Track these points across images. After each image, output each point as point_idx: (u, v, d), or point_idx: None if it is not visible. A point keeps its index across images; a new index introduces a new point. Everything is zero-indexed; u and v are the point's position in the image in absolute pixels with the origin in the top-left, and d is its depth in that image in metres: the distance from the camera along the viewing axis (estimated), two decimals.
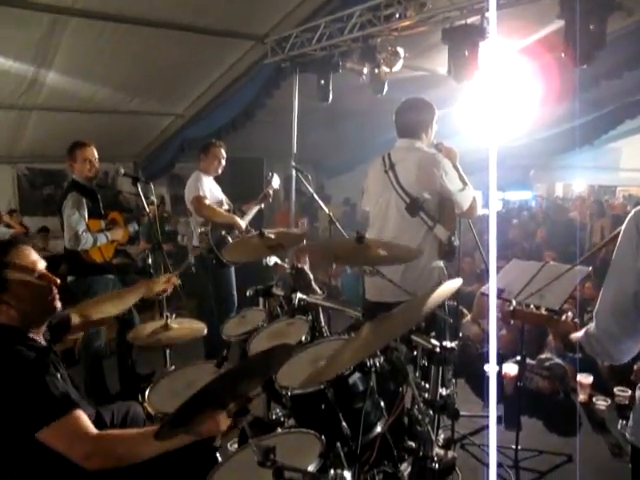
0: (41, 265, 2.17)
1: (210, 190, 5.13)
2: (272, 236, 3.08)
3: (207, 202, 4.99)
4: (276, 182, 5.47)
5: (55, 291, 2.20)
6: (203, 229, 4.97)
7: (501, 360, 4.85)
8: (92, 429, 2.00)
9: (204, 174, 5.17)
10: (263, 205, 5.52)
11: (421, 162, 3.37)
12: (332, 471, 1.76)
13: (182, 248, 9.36)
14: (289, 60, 6.40)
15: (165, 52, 6.37)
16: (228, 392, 1.67)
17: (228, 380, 1.63)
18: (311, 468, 1.90)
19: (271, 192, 5.46)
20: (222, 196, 5.26)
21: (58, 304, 2.23)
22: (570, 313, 2.34)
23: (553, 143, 11.24)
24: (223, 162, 5.29)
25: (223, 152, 5.26)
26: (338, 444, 2.04)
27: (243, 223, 5.16)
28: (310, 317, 2.98)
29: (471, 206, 3.47)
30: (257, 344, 2.92)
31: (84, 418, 2.00)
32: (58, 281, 2.22)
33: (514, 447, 3.70)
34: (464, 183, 3.43)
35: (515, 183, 13.61)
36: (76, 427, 1.96)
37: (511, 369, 4.71)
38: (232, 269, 5.20)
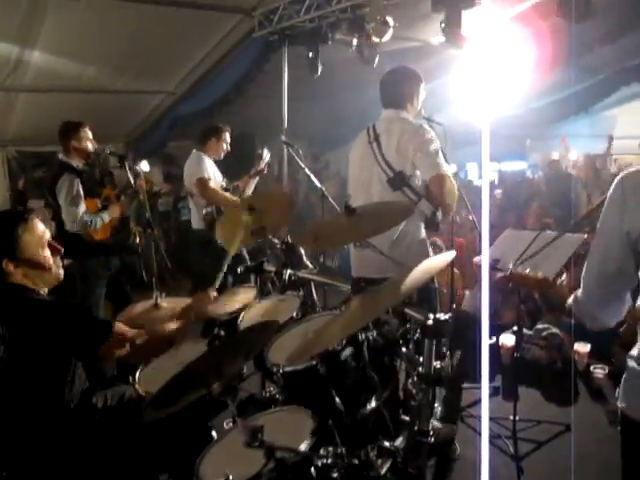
0: (48, 236, 2.37)
1: (213, 172, 5.10)
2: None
3: (211, 184, 4.95)
4: (267, 156, 5.42)
5: (59, 260, 2.42)
6: (208, 210, 4.93)
7: (498, 331, 4.83)
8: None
9: (207, 156, 5.12)
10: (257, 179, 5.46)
11: (403, 133, 3.28)
12: (323, 450, 1.72)
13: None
14: (277, 33, 6.29)
15: (153, 28, 6.23)
16: (213, 371, 1.64)
17: (212, 359, 1.59)
18: (303, 446, 1.87)
19: (264, 166, 5.40)
20: (220, 176, 5.22)
21: (61, 272, 2.44)
22: (564, 277, 2.32)
23: (548, 112, 11.10)
24: (228, 147, 5.29)
25: (229, 137, 5.27)
26: (330, 421, 2.01)
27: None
28: (302, 293, 2.94)
29: (443, 191, 3.22)
30: (248, 321, 2.88)
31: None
32: (62, 249, 2.43)
33: (512, 418, 3.69)
34: (442, 164, 3.26)
35: (510, 154, 13.51)
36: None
37: (508, 340, 4.69)
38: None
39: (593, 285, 1.84)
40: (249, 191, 5.29)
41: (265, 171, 5.47)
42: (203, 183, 4.93)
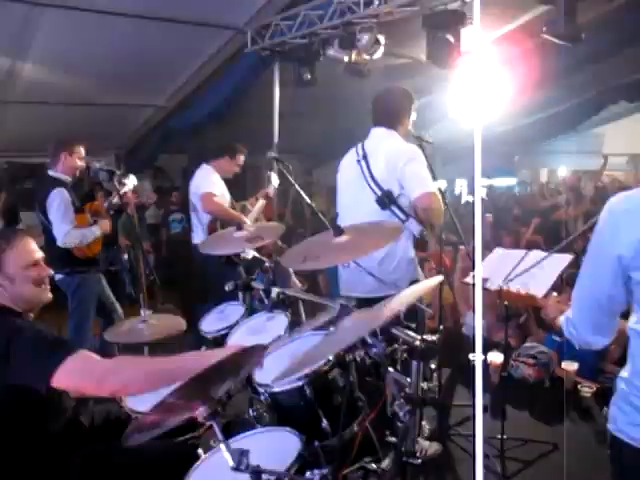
0: (37, 256, 2.30)
1: (221, 190, 5.05)
2: (251, 229, 3.03)
3: (217, 200, 4.90)
4: (275, 181, 5.43)
5: (46, 281, 2.34)
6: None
7: (486, 349, 4.83)
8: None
9: (217, 172, 5.08)
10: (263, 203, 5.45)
11: (391, 152, 3.30)
12: (309, 472, 1.72)
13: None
14: (269, 49, 6.31)
15: (145, 42, 6.25)
16: (199, 395, 1.62)
17: (199, 383, 1.58)
18: (290, 468, 1.86)
19: (272, 191, 5.43)
20: (228, 195, 5.20)
21: (49, 294, 2.36)
22: (555, 294, 2.32)
23: (537, 129, 11.23)
24: (239, 170, 5.28)
25: (243, 159, 5.25)
26: (316, 443, 2.01)
27: (249, 222, 5.04)
28: (290, 311, 2.93)
29: (430, 208, 3.26)
30: (235, 340, 2.87)
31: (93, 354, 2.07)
32: (51, 272, 2.38)
33: (500, 437, 3.68)
34: (429, 183, 3.27)
35: (499, 169, 13.61)
36: (89, 359, 2.03)
37: (496, 358, 4.69)
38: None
39: (584, 310, 1.83)
40: (255, 213, 5.25)
41: (272, 194, 5.48)
42: (209, 197, 4.85)
